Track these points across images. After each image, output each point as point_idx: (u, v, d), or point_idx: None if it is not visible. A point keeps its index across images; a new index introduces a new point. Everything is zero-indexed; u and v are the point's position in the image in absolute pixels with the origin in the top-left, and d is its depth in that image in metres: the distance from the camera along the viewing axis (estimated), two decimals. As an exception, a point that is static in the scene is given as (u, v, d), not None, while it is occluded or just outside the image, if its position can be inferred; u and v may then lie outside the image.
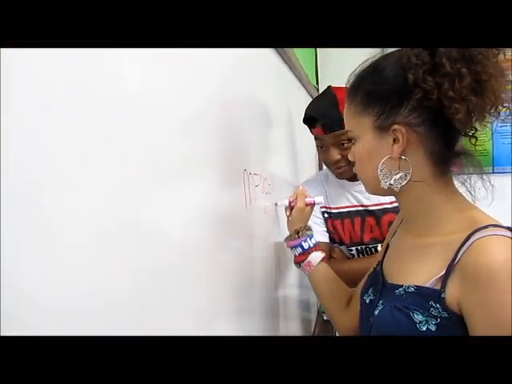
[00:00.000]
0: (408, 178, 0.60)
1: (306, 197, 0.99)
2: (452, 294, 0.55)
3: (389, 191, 0.62)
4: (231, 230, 0.76)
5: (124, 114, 0.42)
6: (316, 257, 0.92)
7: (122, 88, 0.42)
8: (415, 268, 0.62)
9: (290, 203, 1.00)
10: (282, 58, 1.31)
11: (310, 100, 2.13)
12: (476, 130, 0.60)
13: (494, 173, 2.29)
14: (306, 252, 0.92)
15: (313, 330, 1.83)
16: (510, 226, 0.57)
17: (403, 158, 0.60)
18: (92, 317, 0.35)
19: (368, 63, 0.64)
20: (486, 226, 0.55)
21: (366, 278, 0.78)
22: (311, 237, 0.94)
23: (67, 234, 0.32)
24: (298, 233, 0.94)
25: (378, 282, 0.69)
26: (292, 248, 0.95)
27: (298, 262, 0.94)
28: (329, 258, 1.14)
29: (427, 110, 0.58)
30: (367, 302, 0.70)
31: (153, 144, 0.48)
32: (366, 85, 0.62)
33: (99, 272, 0.36)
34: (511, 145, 2.26)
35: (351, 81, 0.66)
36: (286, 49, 1.25)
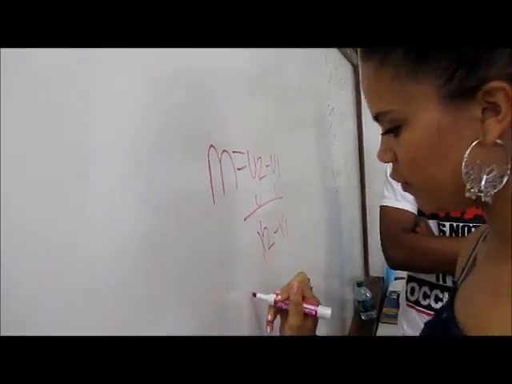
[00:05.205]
0: (506, 176, 0.36)
1: (303, 301, 0.59)
2: None
3: (472, 202, 0.39)
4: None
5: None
6: None
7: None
8: (505, 310, 0.38)
9: (275, 303, 0.61)
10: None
11: (346, 63, 1.82)
12: None
13: None
14: None
15: (348, 330, 1.62)
16: None
17: (499, 142, 0.35)
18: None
19: None
20: None
21: (422, 328, 0.53)
22: None
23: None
24: None
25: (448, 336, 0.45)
26: None
27: None
28: (412, 231, 0.98)
29: None
30: None
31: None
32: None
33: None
34: None
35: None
36: None
